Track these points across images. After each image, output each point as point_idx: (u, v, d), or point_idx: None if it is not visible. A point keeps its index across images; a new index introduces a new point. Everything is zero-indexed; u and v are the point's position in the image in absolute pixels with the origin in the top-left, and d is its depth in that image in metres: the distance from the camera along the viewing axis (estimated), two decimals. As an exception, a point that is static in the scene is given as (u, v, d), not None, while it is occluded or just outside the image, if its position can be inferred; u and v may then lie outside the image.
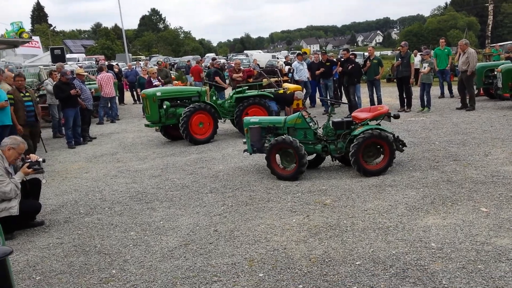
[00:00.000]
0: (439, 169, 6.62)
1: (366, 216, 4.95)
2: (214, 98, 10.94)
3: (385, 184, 6.06)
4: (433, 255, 3.90)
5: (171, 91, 10.74)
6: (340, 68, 12.80)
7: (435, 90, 16.35)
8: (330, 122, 7.06)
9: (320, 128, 7.20)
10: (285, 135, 6.74)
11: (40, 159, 5.32)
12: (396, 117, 7.01)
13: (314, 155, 7.18)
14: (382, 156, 6.67)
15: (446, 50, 14.86)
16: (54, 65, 17.85)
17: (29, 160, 5.27)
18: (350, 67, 12.52)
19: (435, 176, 6.25)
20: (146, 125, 10.82)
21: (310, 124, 7.02)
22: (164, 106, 10.06)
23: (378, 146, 6.64)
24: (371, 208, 5.20)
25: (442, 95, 15.44)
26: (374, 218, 4.88)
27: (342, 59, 13.05)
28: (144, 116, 12.59)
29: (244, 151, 7.41)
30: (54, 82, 11.92)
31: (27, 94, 9.09)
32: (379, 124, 6.80)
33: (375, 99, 12.97)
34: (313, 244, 4.34)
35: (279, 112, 11.58)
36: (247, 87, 11.13)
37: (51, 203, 6.37)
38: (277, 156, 6.88)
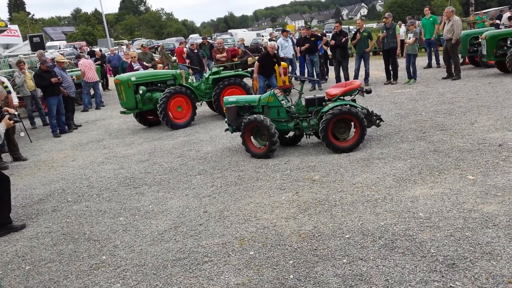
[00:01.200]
0: (426, 139, 6.65)
1: (354, 190, 4.96)
2: (189, 81, 10.70)
3: (373, 157, 6.08)
4: (421, 225, 3.93)
5: (146, 75, 10.31)
6: (333, 41, 12.63)
7: (421, 61, 16.38)
8: (302, 99, 7.04)
9: (292, 105, 7.15)
10: (256, 115, 6.76)
11: (16, 112, 5.30)
12: (368, 91, 6.94)
13: (292, 133, 7.17)
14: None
15: (431, 19, 14.76)
16: (34, 53, 17.50)
17: (8, 113, 5.22)
18: (343, 39, 12.39)
19: (422, 147, 6.27)
20: (122, 112, 10.39)
21: (282, 102, 7.00)
22: (140, 91, 9.71)
23: (352, 122, 6.58)
24: (359, 181, 5.22)
25: (429, 65, 15.43)
26: (363, 191, 4.90)
27: (335, 32, 12.91)
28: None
29: (226, 130, 7.46)
30: (22, 74, 11.68)
31: None
32: (354, 100, 6.78)
33: (363, 72, 12.94)
34: (302, 220, 4.35)
35: (266, 88, 11.50)
36: (222, 68, 10.92)
37: (38, 192, 6.30)
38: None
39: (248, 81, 14.31)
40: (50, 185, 6.63)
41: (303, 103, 6.98)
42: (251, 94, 10.13)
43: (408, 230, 3.87)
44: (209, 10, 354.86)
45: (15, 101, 10.40)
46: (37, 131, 11.72)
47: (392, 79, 12.67)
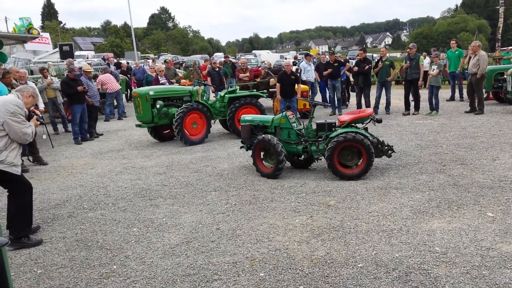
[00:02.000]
0: (445, 172, 6.55)
1: (370, 218, 4.90)
2: (204, 98, 10.75)
3: (391, 187, 6.01)
4: (437, 260, 3.85)
5: (164, 90, 10.44)
6: (356, 68, 12.63)
7: (444, 93, 16.26)
8: (313, 123, 7.12)
9: (303, 129, 7.20)
10: (265, 134, 6.90)
11: (41, 114, 5.46)
12: (378, 121, 6.89)
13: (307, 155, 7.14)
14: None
15: (457, 52, 14.70)
16: (63, 61, 17.98)
17: (35, 114, 5.31)
18: (366, 67, 12.40)
19: (441, 180, 6.18)
20: (138, 125, 10.43)
21: (293, 124, 7.08)
22: (158, 106, 9.77)
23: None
24: (375, 210, 5.15)
25: (452, 98, 15.31)
26: (378, 220, 4.83)
27: (358, 59, 12.94)
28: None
29: (241, 147, 7.66)
30: (45, 81, 12.01)
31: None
32: (366, 128, 6.78)
33: (385, 101, 12.91)
34: (315, 245, 4.30)
35: (285, 110, 11.53)
36: (238, 87, 10.99)
37: (56, 197, 6.38)
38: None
39: (265, 102, 14.42)
40: (67, 190, 6.72)
41: (314, 127, 7.04)
42: (265, 114, 10.17)
43: (423, 264, 3.79)
44: (235, 30, 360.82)
45: (41, 106, 10.67)
46: (59, 137, 11.95)
47: (414, 110, 12.56)
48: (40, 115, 5.39)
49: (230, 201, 5.79)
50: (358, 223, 4.80)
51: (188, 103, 9.90)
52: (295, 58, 22.45)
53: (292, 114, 7.31)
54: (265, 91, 13.20)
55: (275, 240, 4.46)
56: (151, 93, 9.91)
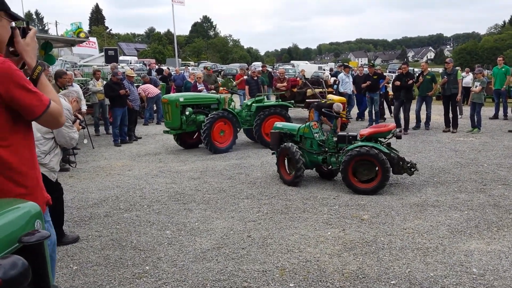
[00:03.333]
0: (486, 192, 6.32)
1: (405, 235, 4.79)
2: (231, 106, 10.70)
3: (428, 204, 5.85)
4: (473, 281, 3.71)
5: (193, 97, 10.49)
6: (398, 82, 12.38)
7: (487, 111, 15.75)
8: (333, 135, 7.22)
9: (325, 139, 7.26)
10: (287, 143, 7.12)
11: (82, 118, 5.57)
12: (398, 137, 6.76)
13: (330, 166, 7.13)
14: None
15: (503, 69, 14.18)
16: (107, 65, 18.61)
17: (78, 118, 5.47)
18: (410, 81, 12.11)
19: (481, 200, 5.97)
20: (165, 132, 10.49)
21: (316, 134, 7.18)
22: (187, 113, 9.82)
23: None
24: (410, 227, 5.03)
25: (496, 116, 14.79)
26: (413, 238, 4.71)
27: (400, 73, 12.69)
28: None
29: (272, 153, 7.77)
30: (97, 81, 12.44)
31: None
32: (389, 143, 6.69)
33: (423, 116, 12.62)
34: (347, 259, 4.24)
35: (321, 122, 11.48)
36: (264, 97, 10.96)
37: (94, 197, 6.58)
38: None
39: (302, 112, 14.38)
40: (105, 191, 6.92)
41: (334, 139, 7.08)
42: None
43: (459, 285, 3.66)
44: (275, 40, 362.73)
45: (84, 108, 11.07)
46: (100, 138, 12.33)
47: (451, 127, 12.17)
48: (82, 119, 5.56)
49: (262, 209, 5.80)
50: (392, 239, 4.70)
51: (217, 111, 9.92)
52: (331, 70, 22.28)
53: (316, 124, 7.39)
54: (291, 101, 13.10)
55: (306, 251, 4.42)
56: (181, 99, 9.96)
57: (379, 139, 6.67)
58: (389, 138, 6.72)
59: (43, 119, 2.15)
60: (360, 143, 6.46)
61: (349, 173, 6.40)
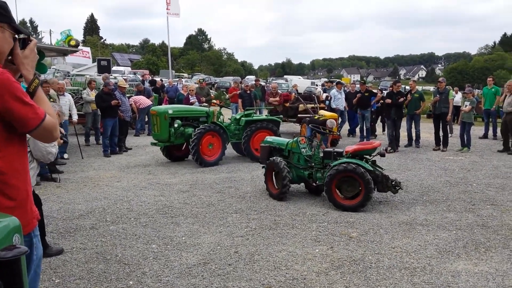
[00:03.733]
0: (474, 212, 6.34)
1: (393, 254, 4.76)
2: (219, 120, 10.65)
3: (416, 223, 5.85)
4: (460, 303, 3.69)
5: (182, 109, 10.45)
6: (389, 100, 12.38)
7: (477, 130, 15.90)
8: (320, 150, 7.26)
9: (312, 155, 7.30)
10: (276, 157, 7.13)
11: (64, 132, 5.46)
12: (381, 155, 6.80)
13: (316, 181, 7.12)
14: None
15: (493, 90, 14.37)
16: (100, 75, 18.57)
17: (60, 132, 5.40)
18: (400, 99, 12.12)
19: (469, 219, 5.98)
20: (153, 144, 10.38)
21: (303, 150, 7.22)
22: (176, 125, 9.73)
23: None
24: (399, 246, 5.01)
25: (485, 136, 14.94)
26: (401, 257, 4.69)
27: (391, 91, 12.73)
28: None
29: (262, 166, 7.71)
30: (91, 91, 12.39)
31: (51, 100, 9.22)
32: (374, 161, 6.74)
33: (413, 134, 12.70)
34: (334, 277, 4.20)
35: (312, 138, 11.50)
36: (253, 111, 10.92)
37: (80, 208, 6.49)
38: None
39: (294, 127, 14.41)
40: (92, 202, 6.83)
41: (321, 154, 7.12)
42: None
43: (446, 306, 3.64)
44: (269, 55, 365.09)
45: (75, 118, 11.00)
46: (90, 148, 12.23)
47: (441, 146, 12.25)
48: (64, 133, 5.47)
49: (250, 224, 5.75)
50: (380, 258, 4.67)
51: (206, 124, 9.86)
52: (326, 84, 22.29)
53: (304, 139, 7.43)
54: (280, 116, 13.10)
55: (293, 269, 4.38)
56: (170, 112, 9.88)
57: (365, 156, 6.68)
58: (373, 156, 6.74)
59: (37, 132, 2.14)
60: (344, 160, 6.48)
61: (333, 189, 6.42)
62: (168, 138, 9.81)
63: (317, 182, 6.96)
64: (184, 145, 10.40)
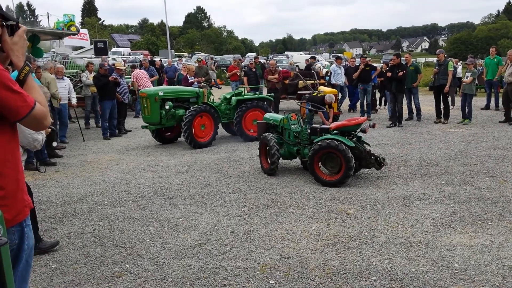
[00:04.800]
0: (473, 184, 6.31)
1: (389, 229, 4.76)
2: (210, 100, 10.44)
3: (414, 197, 5.83)
4: (454, 276, 3.69)
5: (173, 91, 10.26)
6: (389, 74, 12.20)
7: (479, 101, 15.76)
8: (307, 127, 7.29)
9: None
10: (267, 134, 7.30)
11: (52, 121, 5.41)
12: (362, 131, 6.76)
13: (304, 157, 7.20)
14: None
15: (496, 60, 14.11)
16: (97, 58, 18.41)
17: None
18: (400, 73, 11.91)
19: (467, 192, 5.96)
20: (144, 127, 10.19)
21: (293, 126, 7.32)
22: (167, 107, 9.54)
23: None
24: (395, 221, 5.00)
25: (487, 106, 14.80)
26: (397, 232, 4.69)
27: (392, 64, 12.53)
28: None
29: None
30: (90, 74, 12.31)
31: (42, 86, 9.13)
32: (359, 137, 6.75)
33: (413, 107, 12.59)
34: (329, 254, 4.21)
35: (312, 114, 11.42)
36: (244, 90, 10.70)
37: (79, 192, 6.52)
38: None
39: (294, 104, 14.31)
40: (91, 186, 6.85)
41: (308, 131, 7.15)
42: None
43: (440, 280, 3.64)
44: (269, 31, 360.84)
45: (74, 101, 10.97)
46: (90, 131, 12.23)
47: (442, 118, 12.15)
48: (52, 121, 5.38)
49: (248, 204, 5.76)
50: (376, 233, 4.67)
51: (198, 105, 9.68)
52: (307, 61, 21.64)
53: (295, 116, 7.49)
54: (271, 94, 12.90)
55: (289, 247, 4.39)
56: (160, 93, 9.68)
57: (352, 132, 6.69)
58: (357, 132, 6.73)
59: (27, 120, 2.11)
60: (327, 136, 6.53)
61: (315, 164, 6.52)
62: (159, 120, 9.63)
63: (305, 157, 7.00)
64: (174, 128, 10.27)
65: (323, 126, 7.09)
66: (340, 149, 6.22)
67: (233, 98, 10.27)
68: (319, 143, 6.43)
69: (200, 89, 10.51)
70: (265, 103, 10.41)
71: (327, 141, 6.35)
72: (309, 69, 16.47)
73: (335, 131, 6.64)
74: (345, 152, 6.19)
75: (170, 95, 9.87)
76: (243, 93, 10.45)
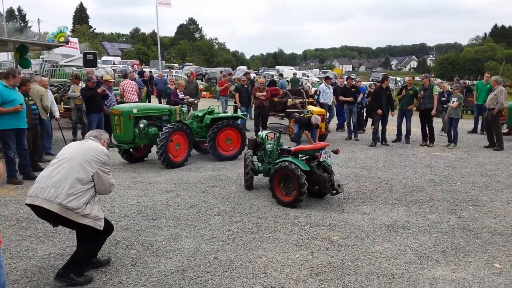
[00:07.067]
0: (456, 213, 6.36)
1: (372, 260, 4.76)
2: (182, 117, 10.21)
3: (398, 225, 5.85)
4: (436, 313, 3.69)
5: (147, 108, 10.00)
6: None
7: (465, 124, 15.99)
8: (278, 147, 7.51)
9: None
10: (246, 150, 7.88)
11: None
12: (334, 152, 7.12)
13: None
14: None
15: (488, 85, 14.31)
16: (86, 69, 18.30)
17: None
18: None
19: (451, 222, 6.00)
20: (115, 146, 9.72)
21: (268, 145, 7.68)
22: (141, 125, 9.27)
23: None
24: (378, 251, 5.01)
25: (475, 130, 14.96)
26: (381, 263, 4.69)
27: (380, 86, 12.68)
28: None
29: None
30: (77, 86, 12.25)
31: (30, 98, 8.91)
32: (320, 162, 6.88)
33: (404, 129, 12.74)
34: (312, 285, 4.19)
35: (300, 133, 11.47)
36: (213, 109, 10.40)
37: (61, 210, 6.40)
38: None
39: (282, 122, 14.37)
40: (74, 203, 6.73)
41: (278, 151, 7.42)
42: (245, 136, 10.11)
43: (421, 316, 3.64)
44: (260, 44, 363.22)
45: (57, 115, 10.81)
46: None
47: (428, 142, 12.30)
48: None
49: (232, 227, 5.72)
50: (359, 263, 4.67)
51: (173, 123, 9.37)
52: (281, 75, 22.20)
53: (272, 136, 7.80)
54: (244, 113, 12.83)
55: (272, 276, 4.36)
56: (135, 111, 9.33)
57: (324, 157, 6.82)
58: (326, 155, 6.82)
59: None
60: (286, 158, 6.78)
61: (275, 183, 6.80)
62: (132, 139, 9.31)
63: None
64: (142, 147, 10.01)
65: (288, 148, 7.31)
66: (295, 173, 6.46)
67: (207, 116, 10.04)
68: (279, 164, 6.74)
69: (173, 107, 10.30)
70: (239, 121, 10.30)
71: (286, 163, 6.61)
72: (274, 84, 16.74)
73: (300, 154, 6.91)
74: (299, 177, 6.43)
75: (144, 113, 9.58)
76: (214, 111, 10.28)
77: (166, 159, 9.11)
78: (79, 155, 4.13)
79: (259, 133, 8.31)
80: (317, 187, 6.95)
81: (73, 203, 3.92)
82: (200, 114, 10.30)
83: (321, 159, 6.76)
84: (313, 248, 5.07)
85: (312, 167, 6.74)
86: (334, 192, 6.74)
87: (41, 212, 4.06)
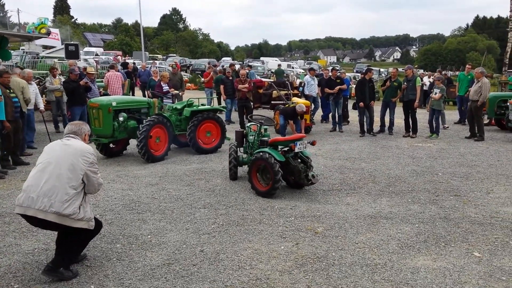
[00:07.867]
0: (438, 203, 6.50)
1: (356, 250, 4.85)
2: (161, 110, 10.13)
3: (381, 216, 5.95)
4: (417, 301, 3.79)
5: (126, 101, 9.72)
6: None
7: (452, 114, 16.22)
8: (257, 139, 7.71)
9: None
10: (231, 140, 8.21)
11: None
12: (310, 143, 7.27)
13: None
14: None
15: (469, 77, 14.51)
16: (68, 61, 18.03)
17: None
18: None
19: (432, 212, 6.12)
20: (94, 140, 9.31)
21: (250, 137, 7.87)
22: (121, 118, 9.06)
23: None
24: (362, 241, 5.10)
25: (460, 121, 15.15)
26: (364, 253, 4.78)
27: (364, 78, 12.83)
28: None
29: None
30: (54, 79, 12.09)
31: (12, 91, 8.79)
32: (296, 153, 7.04)
33: (387, 121, 12.87)
34: (297, 276, 4.25)
35: (286, 125, 11.51)
36: (193, 101, 10.27)
37: (45, 204, 6.34)
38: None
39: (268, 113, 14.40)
40: (57, 197, 6.68)
41: (258, 142, 7.62)
42: (225, 129, 10.22)
43: (403, 305, 3.73)
44: (245, 35, 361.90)
45: (41, 106, 10.70)
46: (59, 136, 11.88)
47: (411, 133, 12.48)
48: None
49: (218, 220, 5.75)
50: (343, 254, 4.75)
51: (153, 116, 9.19)
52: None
53: (255, 127, 7.91)
54: (223, 106, 12.91)
55: (257, 268, 4.41)
56: (114, 104, 9.09)
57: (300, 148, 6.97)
58: (305, 145, 7.00)
59: None
60: (262, 149, 6.98)
61: (252, 173, 6.97)
62: (112, 133, 9.08)
63: None
64: (120, 140, 9.79)
65: (268, 139, 7.46)
66: (269, 162, 6.62)
67: (186, 109, 9.94)
68: (255, 155, 6.96)
69: (151, 99, 10.17)
70: (218, 114, 10.31)
71: (261, 153, 6.80)
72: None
73: (280, 146, 7.06)
74: (272, 166, 6.58)
75: (124, 106, 9.37)
76: (194, 104, 10.18)
77: (147, 153, 8.96)
78: (66, 159, 4.07)
79: (248, 124, 8.34)
80: (292, 178, 7.10)
81: (68, 209, 3.95)
82: (179, 107, 10.18)
83: (296, 150, 6.87)
84: (298, 240, 5.13)
85: (288, 158, 6.87)
86: (308, 182, 6.86)
87: (35, 221, 4.06)
